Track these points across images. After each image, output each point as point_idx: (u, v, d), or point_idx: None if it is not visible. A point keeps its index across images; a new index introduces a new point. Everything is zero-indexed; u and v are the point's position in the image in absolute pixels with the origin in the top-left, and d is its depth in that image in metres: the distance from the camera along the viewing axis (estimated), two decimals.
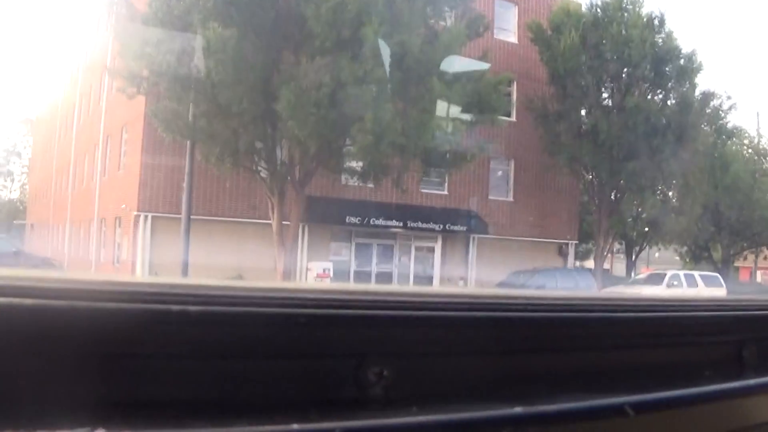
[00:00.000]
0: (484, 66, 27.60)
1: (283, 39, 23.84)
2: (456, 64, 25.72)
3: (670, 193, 38.65)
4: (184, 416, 0.91)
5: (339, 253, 31.94)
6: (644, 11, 33.56)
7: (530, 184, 36.03)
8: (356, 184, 28.62)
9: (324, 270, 28.65)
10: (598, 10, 33.66)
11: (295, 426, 0.94)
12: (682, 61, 33.81)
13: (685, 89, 34.00)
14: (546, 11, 34.94)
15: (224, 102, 22.85)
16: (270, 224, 26.01)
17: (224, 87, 22.42)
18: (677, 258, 53.07)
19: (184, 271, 23.21)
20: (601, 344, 1.42)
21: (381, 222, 31.46)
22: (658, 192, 36.92)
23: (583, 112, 34.26)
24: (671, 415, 1.37)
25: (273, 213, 25.79)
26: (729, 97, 48.91)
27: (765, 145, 47.91)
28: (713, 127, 39.94)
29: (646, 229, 43.20)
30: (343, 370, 1.05)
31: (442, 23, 26.96)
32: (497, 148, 31.41)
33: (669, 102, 34.01)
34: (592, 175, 35.57)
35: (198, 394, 0.96)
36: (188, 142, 24.30)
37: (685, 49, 34.30)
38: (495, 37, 33.87)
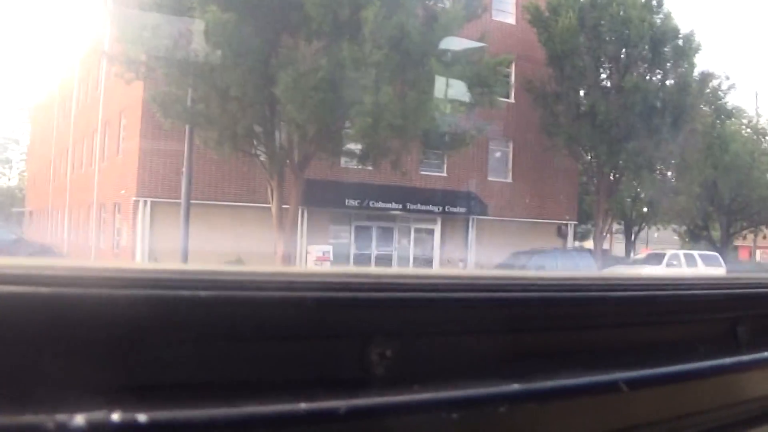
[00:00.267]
0: (482, 46, 27.59)
1: (282, 22, 23.79)
2: (454, 45, 25.72)
3: (669, 173, 38.65)
4: (197, 397, 0.94)
5: (338, 236, 31.98)
6: None
7: (529, 165, 36.04)
8: (355, 166, 28.61)
9: (323, 253, 28.71)
10: None
11: (303, 405, 0.97)
12: (680, 41, 33.78)
13: (683, 69, 33.98)
14: None
15: (223, 86, 22.84)
16: (269, 208, 26.04)
17: (223, 71, 22.41)
18: (676, 238, 53.18)
19: (184, 256, 23.26)
20: (598, 323, 1.45)
21: (380, 204, 31.51)
22: (657, 172, 36.93)
23: (581, 93, 34.24)
24: (665, 391, 1.41)
25: (272, 197, 25.81)
26: (728, 77, 48.86)
27: (764, 125, 47.87)
28: (712, 107, 39.96)
29: (645, 209, 43.28)
30: (348, 351, 1.09)
31: (440, 5, 26.88)
32: (496, 130, 31.40)
33: (667, 82, 34.01)
34: (591, 155, 35.59)
35: (209, 376, 0.99)
36: (187, 127, 24.33)
37: (684, 30, 34.28)
38: (493, 18, 33.82)
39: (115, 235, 31.26)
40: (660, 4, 33.99)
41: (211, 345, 1.00)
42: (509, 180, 36.24)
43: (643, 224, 48.36)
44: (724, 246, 43.55)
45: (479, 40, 27.92)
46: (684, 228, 49.60)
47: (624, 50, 33.33)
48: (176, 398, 0.93)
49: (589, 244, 43.33)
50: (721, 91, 41.13)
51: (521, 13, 34.96)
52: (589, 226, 43.28)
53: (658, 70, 34.18)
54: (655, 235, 56.48)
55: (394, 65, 23.68)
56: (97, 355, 0.93)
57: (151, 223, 28.25)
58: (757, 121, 48.18)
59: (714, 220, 45.56)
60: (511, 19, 36.19)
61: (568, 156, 35.10)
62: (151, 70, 23.98)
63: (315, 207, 29.96)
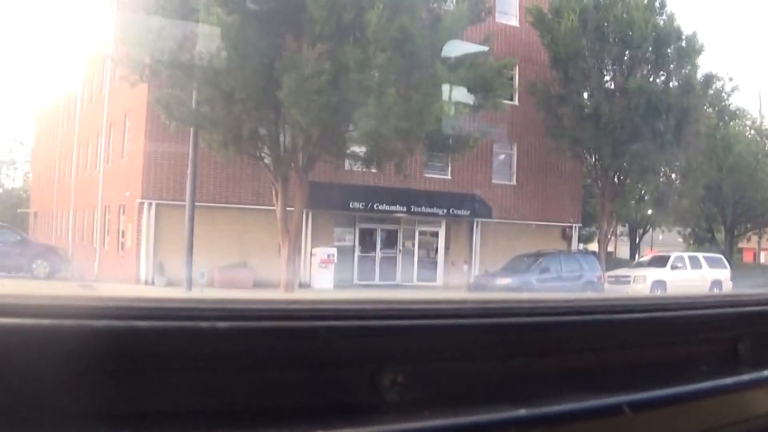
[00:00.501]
0: (485, 49, 27.60)
1: (286, 25, 23.80)
2: (458, 47, 25.71)
3: (673, 175, 38.56)
4: (216, 425, 0.98)
5: (343, 238, 31.94)
6: None
7: (533, 168, 36.02)
8: (360, 169, 28.58)
9: (328, 256, 28.72)
10: None
11: (319, 431, 1.01)
12: (683, 43, 33.73)
13: (686, 71, 33.92)
14: None
15: (227, 89, 22.84)
16: (274, 210, 26.00)
17: (227, 74, 22.42)
18: (680, 240, 53.09)
19: (188, 258, 23.30)
20: (602, 345, 1.49)
21: (385, 207, 31.46)
22: (661, 174, 36.85)
23: (585, 95, 34.18)
24: (668, 412, 1.44)
25: (277, 199, 25.79)
26: (731, 79, 48.89)
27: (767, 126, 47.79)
28: (716, 108, 39.87)
29: (650, 211, 43.21)
30: (361, 378, 1.13)
31: (445, 8, 26.87)
32: (500, 132, 31.35)
33: (671, 84, 33.92)
34: (595, 157, 35.48)
35: (228, 403, 1.03)
36: (191, 129, 24.34)
37: (686, 31, 34.25)
38: (497, 20, 33.77)
39: (120, 237, 31.27)
40: (663, 6, 33.95)
41: (228, 374, 1.04)
42: (513, 183, 36.19)
43: (648, 226, 48.30)
44: (728, 248, 43.48)
45: (483, 42, 27.92)
46: (689, 230, 49.55)
47: (627, 52, 33.28)
48: (196, 426, 0.97)
49: (593, 246, 43.32)
50: (724, 92, 41.06)
51: (524, 15, 34.90)
52: (594, 228, 43.25)
53: (661, 72, 34.10)
54: (660, 237, 56.39)
55: (397, 68, 23.67)
56: (118, 384, 0.97)
57: (155, 225, 28.25)
58: (761, 122, 48.14)
59: (718, 222, 45.51)
60: (514, 22, 36.14)
61: (572, 158, 35.04)
62: (155, 73, 23.98)
63: (319, 209, 29.93)
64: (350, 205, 30.71)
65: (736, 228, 45.16)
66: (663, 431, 1.43)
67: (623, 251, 52.04)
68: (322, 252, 28.95)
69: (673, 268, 31.44)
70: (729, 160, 39.66)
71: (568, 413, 1.27)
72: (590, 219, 41.96)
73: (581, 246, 41.62)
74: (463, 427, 1.14)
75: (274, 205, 25.97)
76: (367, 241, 32.74)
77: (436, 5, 26.72)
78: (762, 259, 56.07)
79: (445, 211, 33.22)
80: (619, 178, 35.75)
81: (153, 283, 26.88)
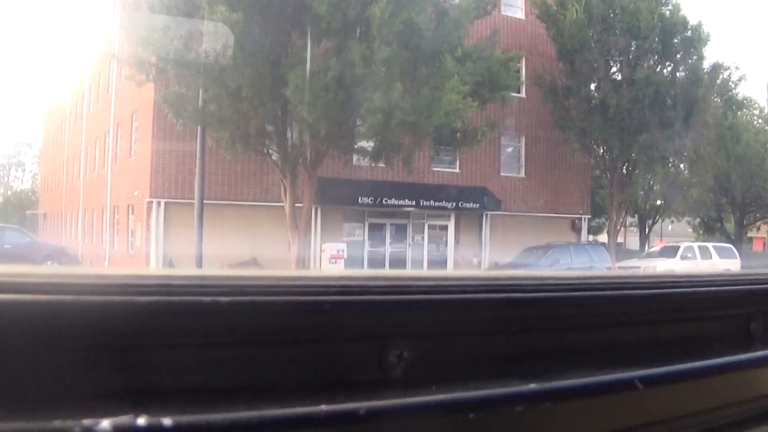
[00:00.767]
0: (493, 42, 27.65)
1: (291, 22, 23.83)
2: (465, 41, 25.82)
3: (682, 165, 38.52)
4: (220, 400, 0.96)
5: (352, 234, 31.99)
6: None
7: (541, 160, 36.04)
8: (368, 164, 28.62)
9: (338, 251, 28.73)
10: None
11: (323, 407, 0.99)
12: (689, 33, 33.68)
13: (693, 61, 33.89)
14: None
15: (234, 86, 22.89)
16: (283, 207, 26.06)
17: (233, 71, 22.45)
18: (690, 230, 53.02)
19: (198, 256, 23.34)
20: (613, 321, 1.47)
21: (393, 201, 31.50)
22: (670, 164, 36.79)
23: (592, 87, 34.16)
24: (679, 388, 1.42)
25: (285, 196, 25.84)
26: (738, 68, 48.63)
27: None
28: (723, 98, 39.77)
29: (659, 201, 43.16)
30: (366, 353, 1.11)
31: (451, 0, 26.86)
32: (508, 125, 31.34)
33: (678, 74, 33.91)
34: (603, 149, 35.47)
35: (231, 380, 1.02)
36: (199, 127, 24.36)
37: (692, 21, 34.22)
38: (502, 13, 33.78)
39: (130, 236, 31.37)
40: None
41: (232, 349, 1.03)
42: (522, 175, 36.22)
43: (657, 217, 48.24)
44: (738, 238, 43.45)
45: (490, 36, 27.96)
46: (698, 220, 49.48)
47: (634, 43, 33.26)
48: (200, 402, 0.96)
49: (603, 237, 43.34)
50: (731, 82, 40.96)
51: (530, 8, 34.90)
52: (603, 219, 43.25)
53: (668, 62, 34.11)
54: (669, 227, 56.32)
55: (403, 62, 23.69)
56: (122, 361, 0.95)
57: (165, 223, 28.32)
58: None
59: (728, 211, 45.46)
60: (520, 14, 36.16)
61: (581, 150, 35.01)
62: (161, 72, 24.04)
63: (328, 205, 29.99)
64: (359, 200, 30.75)
65: (745, 217, 45.10)
66: (674, 407, 1.42)
67: (633, 242, 52.02)
68: (331, 247, 28.95)
69: (683, 258, 31.46)
70: (737, 150, 39.59)
71: (579, 388, 1.26)
72: (599, 210, 41.97)
73: (591, 237, 41.63)
74: (470, 401, 1.12)
75: (282, 202, 26.03)
76: (376, 235, 32.78)
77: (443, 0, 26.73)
78: None
79: (453, 204, 33.23)
80: (627, 169, 35.76)
81: None
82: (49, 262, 27.65)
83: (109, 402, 0.91)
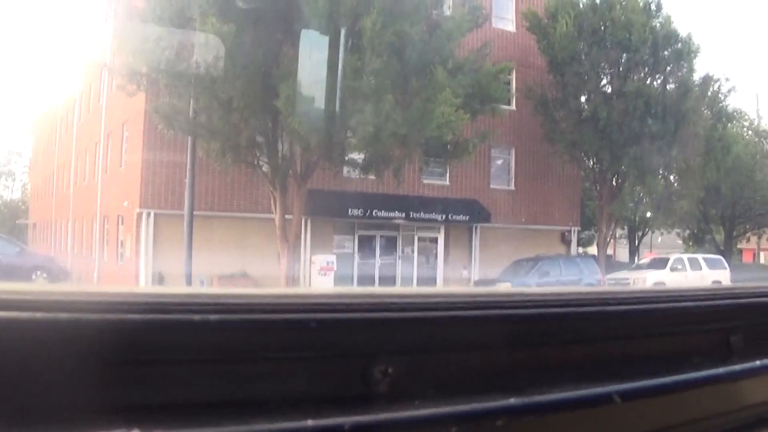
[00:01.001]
0: (484, 54, 27.74)
1: (282, 33, 23.85)
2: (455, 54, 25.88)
3: (672, 177, 38.60)
4: (209, 415, 0.99)
5: (342, 245, 31.96)
6: None
7: (531, 172, 36.07)
8: (358, 176, 28.62)
9: (327, 263, 28.72)
10: None
11: (309, 422, 1.02)
12: (679, 45, 33.79)
13: (683, 73, 34.00)
14: None
15: (225, 97, 22.88)
16: (272, 218, 26.05)
17: (224, 82, 22.44)
18: (680, 242, 53.09)
19: (188, 268, 23.28)
20: (594, 336, 1.50)
21: (383, 213, 31.48)
22: (660, 176, 36.86)
23: (582, 99, 34.23)
24: (659, 401, 1.45)
25: (275, 207, 25.83)
26: (728, 80, 48.82)
27: (765, 127, 47.86)
28: (713, 110, 39.90)
29: (649, 213, 43.24)
30: (352, 370, 1.14)
31: (443, 13, 26.96)
32: (498, 137, 31.38)
33: (668, 86, 33.99)
34: (593, 161, 35.54)
35: (220, 395, 1.04)
36: (189, 138, 24.34)
37: (683, 33, 34.34)
38: (493, 26, 33.87)
39: (119, 246, 31.28)
40: (659, 8, 34.05)
41: (220, 366, 1.05)
42: (512, 187, 36.24)
43: (647, 229, 48.31)
44: (727, 249, 43.52)
45: (481, 48, 28.03)
46: (688, 232, 49.57)
47: (624, 55, 33.34)
48: (189, 417, 0.98)
49: (592, 249, 43.38)
50: (721, 93, 41.11)
51: (521, 20, 35.00)
52: (593, 231, 43.29)
53: (658, 75, 34.19)
54: (659, 239, 56.39)
55: (394, 74, 23.72)
56: (114, 377, 0.98)
57: (154, 234, 28.25)
58: (759, 123, 48.24)
59: (717, 223, 45.55)
60: (511, 27, 36.24)
61: (571, 162, 35.04)
62: (152, 82, 24.03)
63: (318, 217, 29.95)
64: (349, 212, 30.72)
65: (735, 228, 45.21)
66: (654, 421, 1.45)
67: (623, 254, 52.06)
68: (321, 259, 28.94)
69: (673, 269, 31.53)
70: (727, 161, 39.69)
71: (559, 402, 1.28)
72: (589, 222, 42.03)
73: (580, 249, 41.66)
74: (452, 416, 1.15)
75: (273, 213, 26.01)
76: (366, 247, 32.76)
77: (435, 11, 26.78)
78: (761, 259, 56.22)
79: (443, 216, 33.22)
80: (617, 181, 35.80)
81: None
82: (38, 272, 27.54)
83: (103, 417, 0.93)
